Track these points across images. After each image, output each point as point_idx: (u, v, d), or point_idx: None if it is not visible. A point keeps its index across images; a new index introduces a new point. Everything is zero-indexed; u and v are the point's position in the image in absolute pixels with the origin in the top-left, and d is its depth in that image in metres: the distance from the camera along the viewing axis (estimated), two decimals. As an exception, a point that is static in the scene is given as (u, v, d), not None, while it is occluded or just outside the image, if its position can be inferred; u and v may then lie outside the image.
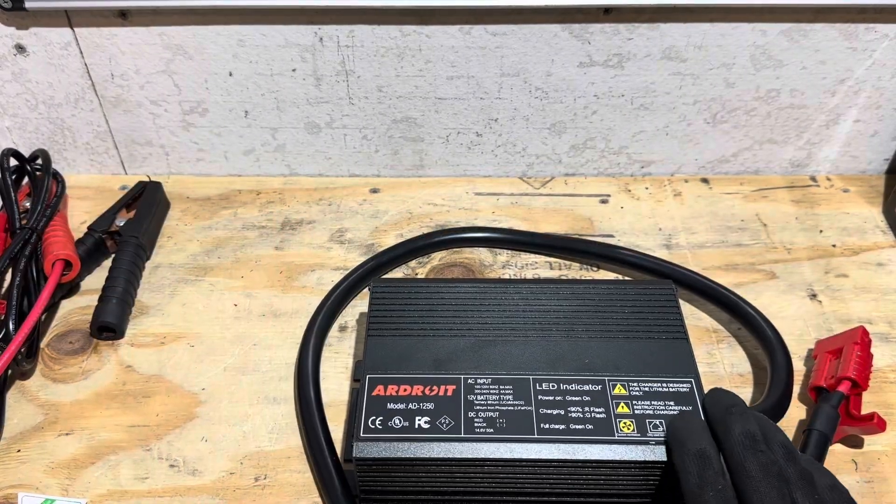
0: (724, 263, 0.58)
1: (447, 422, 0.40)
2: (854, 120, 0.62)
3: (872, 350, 0.48)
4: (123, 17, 0.55)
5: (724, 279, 0.54)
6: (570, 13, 0.55)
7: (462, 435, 0.39)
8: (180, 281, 0.56)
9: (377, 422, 0.40)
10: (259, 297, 0.55)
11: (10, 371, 0.48)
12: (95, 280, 0.55)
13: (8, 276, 0.50)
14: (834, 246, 0.59)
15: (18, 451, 0.46)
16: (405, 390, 0.41)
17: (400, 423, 0.40)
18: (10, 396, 0.48)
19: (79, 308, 0.54)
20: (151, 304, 0.54)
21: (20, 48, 0.56)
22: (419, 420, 0.40)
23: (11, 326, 0.47)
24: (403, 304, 0.46)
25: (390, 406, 0.40)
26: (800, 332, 0.53)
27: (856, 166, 0.66)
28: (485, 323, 0.45)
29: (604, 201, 0.63)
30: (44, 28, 0.56)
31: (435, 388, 0.41)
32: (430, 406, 0.40)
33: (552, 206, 0.63)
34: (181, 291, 0.55)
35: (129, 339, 0.52)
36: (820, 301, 0.55)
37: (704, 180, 0.65)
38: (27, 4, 0.53)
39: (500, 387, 0.41)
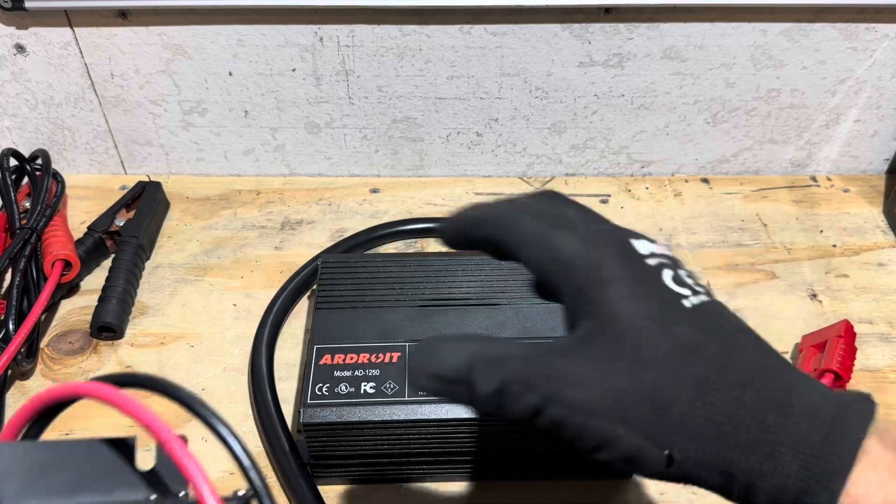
0: (724, 263, 0.58)
1: (392, 386, 0.42)
2: (854, 120, 0.62)
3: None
4: (123, 16, 0.55)
5: (724, 279, 0.54)
6: (570, 13, 0.55)
7: (406, 398, 0.41)
8: (180, 281, 0.56)
9: (324, 389, 0.41)
10: (259, 297, 0.55)
11: (9, 371, 0.48)
12: (95, 280, 0.55)
13: (8, 276, 0.50)
14: (834, 246, 0.59)
15: (18, 451, 0.46)
16: (352, 358, 0.43)
17: (346, 389, 0.41)
18: (10, 397, 0.48)
19: (78, 308, 0.54)
20: (151, 304, 0.54)
21: (20, 48, 0.56)
22: (365, 386, 0.42)
23: (11, 326, 0.47)
24: (351, 278, 0.48)
25: (337, 374, 0.42)
26: (800, 332, 0.52)
27: (856, 166, 0.66)
28: (430, 293, 0.47)
29: (604, 201, 0.63)
30: (43, 28, 0.55)
31: (381, 355, 0.43)
32: (376, 372, 0.42)
33: (552, 206, 0.63)
34: (181, 291, 0.55)
35: (129, 340, 0.52)
36: (820, 301, 0.55)
37: (705, 180, 0.65)
38: (27, 4, 0.53)
39: None
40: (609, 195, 0.64)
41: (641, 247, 0.27)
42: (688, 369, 0.23)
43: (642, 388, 0.23)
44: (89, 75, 0.58)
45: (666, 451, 0.23)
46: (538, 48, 0.57)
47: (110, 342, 0.52)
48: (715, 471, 0.23)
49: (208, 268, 0.57)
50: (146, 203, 0.59)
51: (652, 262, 0.26)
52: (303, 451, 0.44)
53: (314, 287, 0.53)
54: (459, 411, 0.41)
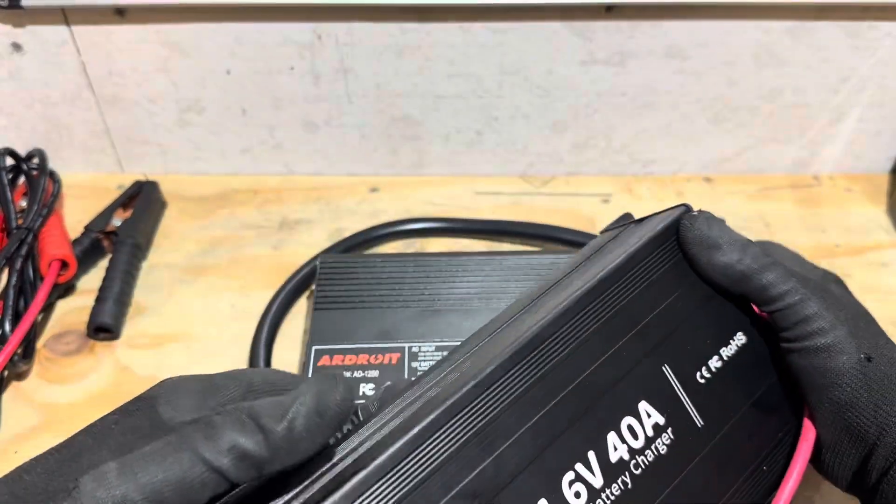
0: (726, 263, 0.57)
1: None
2: (858, 119, 0.62)
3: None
4: (120, 14, 0.54)
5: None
6: (571, 11, 0.54)
7: None
8: (177, 281, 0.56)
9: None
10: (256, 297, 0.54)
11: (6, 372, 0.48)
12: (92, 280, 0.55)
13: (4, 277, 0.50)
14: (837, 246, 0.59)
15: (16, 452, 0.45)
16: (350, 360, 0.43)
17: None
18: (7, 398, 0.48)
19: (75, 308, 0.53)
20: (148, 304, 0.54)
21: (16, 46, 0.56)
22: (364, 388, 0.41)
23: (7, 327, 0.47)
24: (350, 278, 0.48)
25: None
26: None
27: (859, 165, 0.65)
28: (429, 293, 0.47)
29: (605, 200, 0.63)
30: (40, 26, 0.55)
31: (380, 356, 0.43)
32: (375, 374, 0.42)
33: (553, 206, 0.62)
34: (178, 292, 0.55)
35: (126, 340, 0.52)
36: (823, 302, 0.55)
37: (707, 179, 0.65)
38: (23, 2, 0.53)
39: (444, 353, 0.42)
40: (610, 194, 0.63)
41: None
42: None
43: (844, 307, 0.32)
44: (86, 73, 0.58)
45: (863, 354, 0.30)
46: (539, 46, 0.56)
47: (107, 343, 0.51)
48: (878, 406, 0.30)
49: (205, 268, 0.57)
50: (143, 202, 0.58)
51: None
52: None
53: (312, 287, 0.52)
54: None
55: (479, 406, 0.27)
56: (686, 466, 0.29)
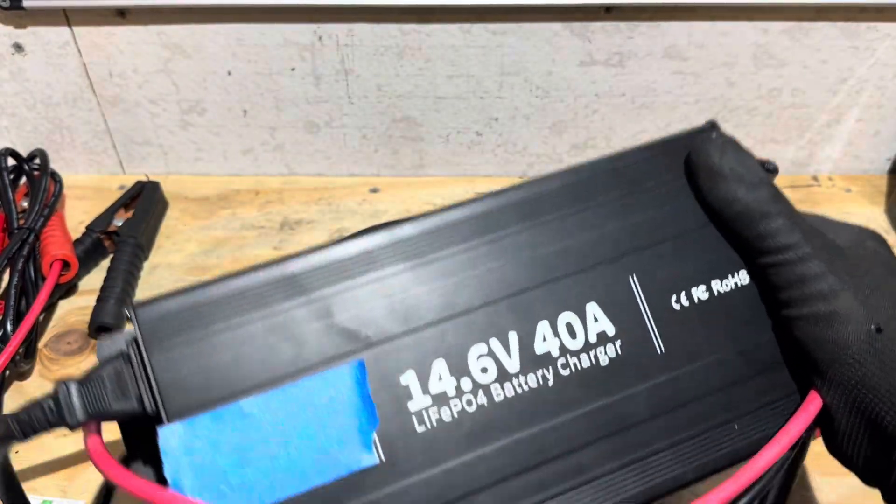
0: (725, 263, 0.57)
1: None
2: (856, 119, 0.62)
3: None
4: (122, 15, 0.55)
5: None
6: (570, 12, 0.55)
7: None
8: (179, 281, 0.56)
9: None
10: (258, 297, 0.54)
11: (7, 372, 0.48)
12: (94, 280, 0.55)
13: (6, 277, 0.50)
14: (836, 246, 0.59)
15: (17, 451, 0.45)
16: None
17: None
18: (8, 397, 0.48)
19: (77, 308, 0.54)
20: (150, 304, 0.54)
21: (18, 47, 0.56)
22: None
23: (9, 327, 0.47)
24: None
25: None
26: (802, 332, 0.52)
27: (858, 166, 0.65)
28: None
29: (604, 201, 0.63)
30: (42, 27, 0.55)
31: None
32: None
33: (553, 206, 0.63)
34: (180, 292, 0.55)
35: (128, 340, 0.52)
36: (822, 301, 0.55)
37: (705, 180, 0.65)
38: (25, 3, 0.53)
39: None
40: (610, 195, 0.64)
41: None
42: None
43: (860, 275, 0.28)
44: (87, 75, 0.58)
45: (873, 325, 0.26)
46: (539, 47, 0.57)
47: (109, 343, 0.52)
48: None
49: (207, 268, 0.57)
50: (144, 203, 0.59)
51: None
52: None
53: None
54: None
55: (416, 244, 0.27)
56: (628, 387, 0.27)
